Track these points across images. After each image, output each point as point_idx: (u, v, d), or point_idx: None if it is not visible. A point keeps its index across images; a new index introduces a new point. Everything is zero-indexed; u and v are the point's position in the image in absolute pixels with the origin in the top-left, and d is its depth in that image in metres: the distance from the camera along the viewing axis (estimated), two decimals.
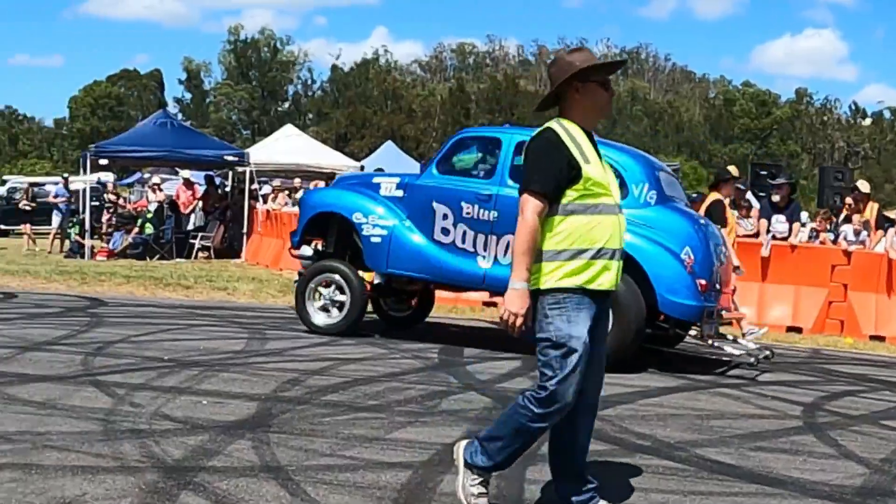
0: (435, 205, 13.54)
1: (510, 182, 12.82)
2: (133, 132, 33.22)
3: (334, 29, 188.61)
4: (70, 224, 30.23)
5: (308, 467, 7.17)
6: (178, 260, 27.12)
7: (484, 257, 13.16)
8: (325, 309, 14.26)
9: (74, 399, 9.16)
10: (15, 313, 15.96)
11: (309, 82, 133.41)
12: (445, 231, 13.44)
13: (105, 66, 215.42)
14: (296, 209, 21.24)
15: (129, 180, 48.71)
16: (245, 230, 28.67)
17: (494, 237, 13.05)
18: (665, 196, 12.98)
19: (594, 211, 5.86)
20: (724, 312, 13.44)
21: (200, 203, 31.32)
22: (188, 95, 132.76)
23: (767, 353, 13.74)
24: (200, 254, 28.41)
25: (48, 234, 32.23)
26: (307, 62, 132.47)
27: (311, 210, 14.89)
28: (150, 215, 29.02)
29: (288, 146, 32.88)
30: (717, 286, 12.90)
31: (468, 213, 13.27)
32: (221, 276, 22.35)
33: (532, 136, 6.02)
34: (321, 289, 14.22)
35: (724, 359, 13.90)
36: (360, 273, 14.18)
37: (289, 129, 37.41)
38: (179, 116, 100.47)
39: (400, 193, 13.99)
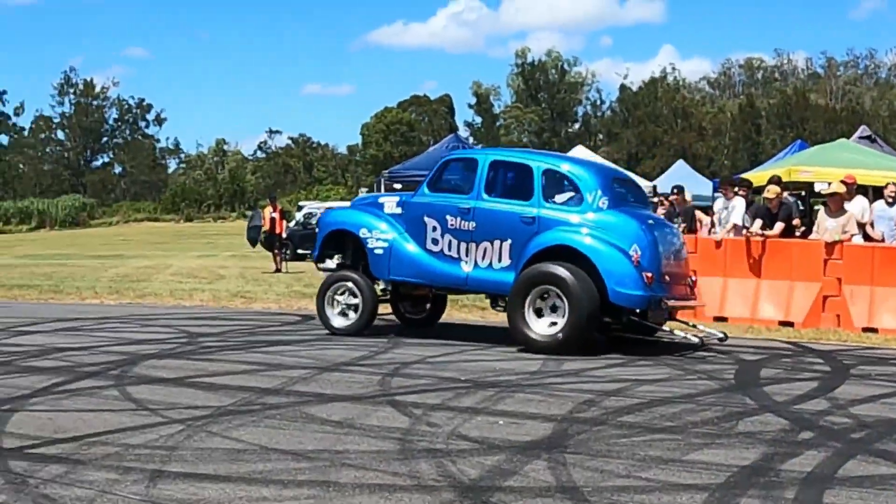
0: (426, 219, 15.75)
1: (486, 196, 15.32)
2: (425, 156, 33.80)
3: (621, 48, 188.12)
4: None
5: (604, 488, 7.07)
6: None
7: (466, 262, 15.37)
8: (342, 313, 16.38)
9: (372, 418, 9.30)
10: (313, 335, 16.37)
11: (598, 102, 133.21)
12: (435, 241, 15.64)
13: (394, 93, 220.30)
14: None
15: None
16: None
17: (474, 244, 15.28)
18: (617, 201, 14.97)
19: None
20: (678, 301, 15.12)
21: None
22: (478, 119, 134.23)
23: (721, 335, 15.65)
24: None
25: None
26: (595, 82, 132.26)
27: (326, 228, 17.32)
28: None
29: None
30: (666, 279, 14.71)
31: (452, 225, 15.47)
32: None
33: None
34: (338, 296, 16.40)
35: (674, 341, 15.38)
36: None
37: (580, 151, 37.37)
38: (470, 140, 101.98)
39: (399, 210, 16.22)
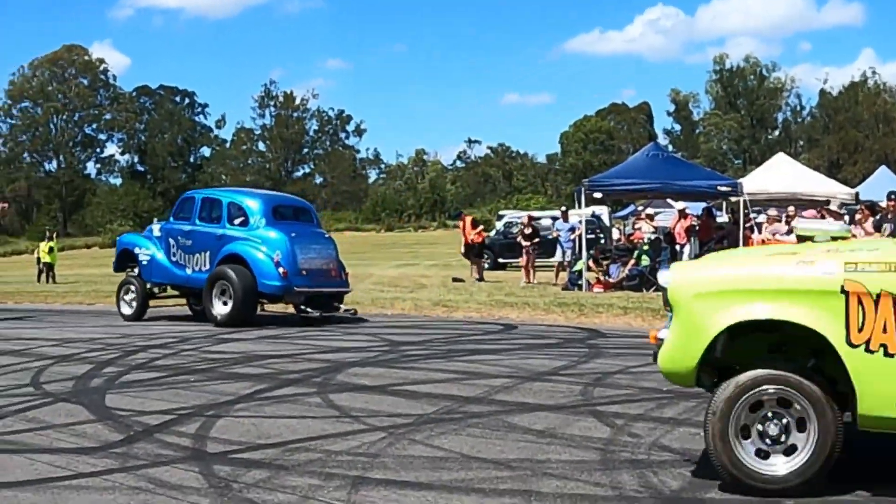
0: (170, 239, 22.80)
1: (198, 222, 22.25)
2: (625, 165, 33.44)
3: (819, 53, 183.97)
4: (576, 257, 30.57)
5: None
6: None
7: (188, 268, 22.34)
8: (127, 305, 23.40)
9: (573, 428, 9.27)
10: (515, 344, 16.40)
11: (797, 108, 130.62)
12: (174, 254, 22.69)
13: (592, 102, 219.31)
14: (791, 237, 23.99)
15: (623, 213, 49.13)
16: None
17: (191, 255, 22.24)
18: (273, 221, 21.48)
19: None
20: (314, 288, 21.41)
21: (697, 234, 31.26)
22: (677, 127, 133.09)
23: (352, 310, 22.35)
24: None
25: (548, 266, 33.08)
26: (794, 88, 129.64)
27: (119, 247, 24.94)
28: (645, 247, 29.10)
29: (780, 174, 32.08)
30: (304, 273, 21.07)
31: (182, 243, 22.46)
32: None
33: None
34: (125, 294, 23.51)
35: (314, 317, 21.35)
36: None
37: (780, 158, 36.59)
38: (670, 148, 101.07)
39: (159, 234, 23.31)
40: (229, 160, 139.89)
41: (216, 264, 21.37)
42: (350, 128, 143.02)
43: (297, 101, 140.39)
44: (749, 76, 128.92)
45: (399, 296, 26.40)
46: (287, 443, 8.83)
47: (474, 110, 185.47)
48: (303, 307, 21.38)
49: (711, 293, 6.98)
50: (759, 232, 28.58)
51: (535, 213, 43.55)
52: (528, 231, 33.33)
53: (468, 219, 36.76)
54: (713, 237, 30.42)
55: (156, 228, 23.69)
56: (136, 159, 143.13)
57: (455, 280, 32.11)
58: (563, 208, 35.96)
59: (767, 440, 6.80)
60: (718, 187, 29.25)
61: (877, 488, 7.10)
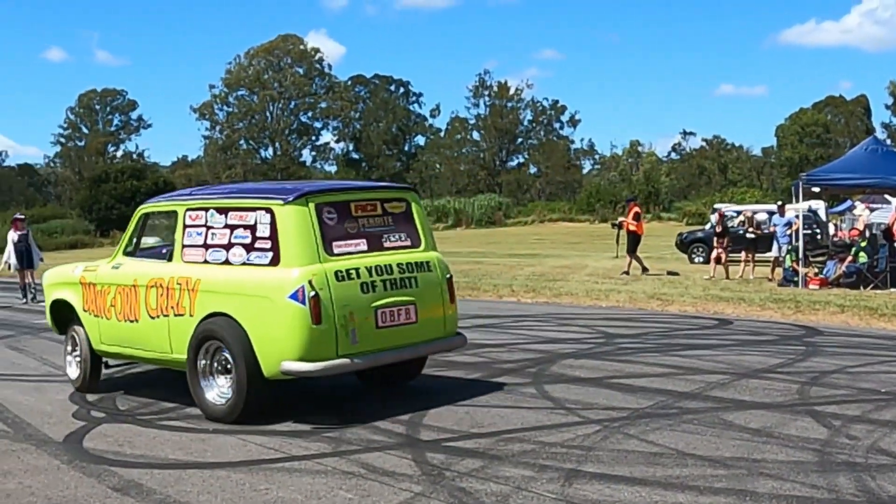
0: None
1: None
2: (844, 159, 32.74)
3: None
4: (790, 251, 30.06)
5: None
6: (892, 290, 26.46)
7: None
8: None
9: (790, 428, 9.21)
10: (730, 340, 16.26)
11: None
12: None
13: (809, 94, 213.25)
14: None
15: (840, 208, 48.12)
16: None
17: None
18: None
19: None
20: None
21: None
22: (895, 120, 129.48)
23: None
24: None
25: (765, 261, 32.65)
26: None
27: None
28: (863, 243, 28.48)
29: None
30: None
31: None
32: None
33: None
34: None
35: None
36: None
37: None
38: (888, 142, 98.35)
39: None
40: (443, 149, 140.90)
41: None
42: (564, 118, 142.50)
43: (512, 91, 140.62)
44: None
45: (614, 287, 26.30)
46: (501, 432, 8.98)
47: (689, 101, 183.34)
48: None
49: (50, 284, 13.14)
50: None
51: (752, 207, 42.84)
52: (718, 229, 32.72)
53: (635, 208, 35.68)
54: None
55: None
56: (350, 147, 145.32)
57: (670, 273, 31.80)
58: (780, 202, 35.33)
59: (75, 355, 12.64)
60: None
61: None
